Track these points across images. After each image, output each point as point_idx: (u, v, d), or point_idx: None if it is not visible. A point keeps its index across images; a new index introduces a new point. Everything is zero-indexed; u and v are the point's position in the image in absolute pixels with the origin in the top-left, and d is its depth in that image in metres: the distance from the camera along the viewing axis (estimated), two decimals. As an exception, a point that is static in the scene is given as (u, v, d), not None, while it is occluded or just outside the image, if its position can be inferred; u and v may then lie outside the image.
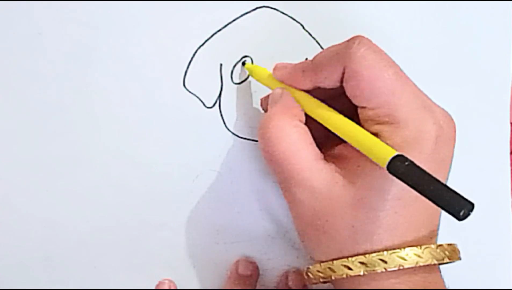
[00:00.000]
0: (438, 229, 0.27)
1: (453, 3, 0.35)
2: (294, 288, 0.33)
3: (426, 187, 0.20)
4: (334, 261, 0.25)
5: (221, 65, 0.33)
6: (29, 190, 0.32)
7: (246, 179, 0.33)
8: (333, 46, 0.26)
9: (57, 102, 0.32)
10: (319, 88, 0.27)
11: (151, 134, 0.33)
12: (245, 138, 0.33)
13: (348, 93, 0.26)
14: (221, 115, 0.33)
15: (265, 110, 0.32)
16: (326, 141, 0.27)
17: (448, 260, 0.25)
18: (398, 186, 0.24)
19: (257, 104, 0.33)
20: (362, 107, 0.25)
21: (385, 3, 0.34)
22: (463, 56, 0.35)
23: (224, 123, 0.33)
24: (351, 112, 0.26)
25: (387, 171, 0.22)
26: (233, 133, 0.33)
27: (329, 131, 0.26)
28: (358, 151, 0.25)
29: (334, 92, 0.27)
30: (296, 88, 0.28)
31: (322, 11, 0.34)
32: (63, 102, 0.32)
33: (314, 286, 0.29)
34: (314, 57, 0.27)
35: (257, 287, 0.34)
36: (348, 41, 0.26)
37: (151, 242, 0.33)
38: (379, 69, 0.25)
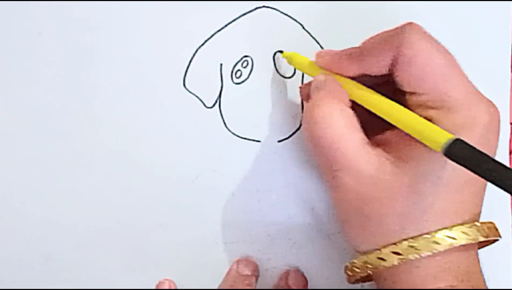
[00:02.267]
0: (480, 211, 0.26)
1: (452, 3, 0.35)
2: (294, 288, 0.33)
3: (489, 170, 0.20)
4: (383, 249, 0.25)
5: (221, 65, 0.33)
6: (29, 190, 0.32)
7: (246, 179, 0.33)
8: (382, 32, 0.26)
9: (57, 102, 0.32)
10: (363, 76, 0.27)
11: (151, 134, 0.33)
12: (245, 138, 0.33)
13: (398, 78, 0.25)
14: (221, 115, 0.33)
15: (304, 99, 0.31)
16: (371, 126, 0.27)
17: (493, 237, 0.26)
18: (448, 172, 0.24)
19: (257, 104, 0.33)
20: (412, 93, 0.25)
21: (385, 3, 0.34)
22: (462, 56, 0.35)
23: (224, 123, 0.33)
24: (394, 100, 0.26)
25: (437, 157, 0.22)
26: (233, 133, 0.33)
27: (375, 116, 0.26)
28: (406, 136, 0.24)
29: (376, 80, 0.27)
30: (340, 74, 0.28)
31: (322, 11, 0.34)
32: (63, 102, 0.32)
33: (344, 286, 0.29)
34: (362, 43, 0.27)
35: (257, 287, 0.34)
36: (399, 27, 0.25)
37: (151, 242, 0.33)
38: (432, 54, 0.25)
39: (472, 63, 0.35)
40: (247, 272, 0.33)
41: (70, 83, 0.32)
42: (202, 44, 0.33)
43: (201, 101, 0.33)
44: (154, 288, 0.33)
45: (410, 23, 0.25)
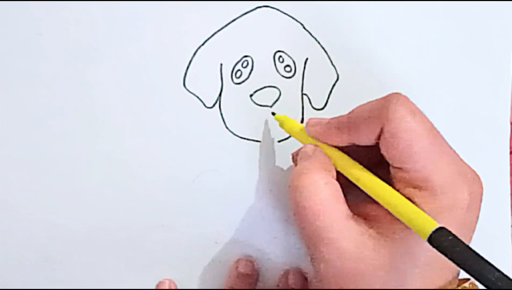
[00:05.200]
0: (459, 273, 0.27)
1: (453, 3, 0.35)
2: (294, 287, 0.33)
3: (469, 263, 0.21)
4: None
5: (221, 65, 0.33)
6: (29, 190, 0.32)
7: (246, 179, 0.33)
8: (369, 102, 0.26)
9: (57, 102, 0.32)
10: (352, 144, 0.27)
11: (151, 134, 0.33)
12: (245, 138, 0.33)
13: (383, 152, 0.25)
14: (221, 115, 0.33)
15: (296, 165, 0.31)
16: (355, 198, 0.27)
17: None
18: (428, 252, 0.24)
19: (257, 104, 0.33)
20: (397, 168, 0.25)
21: (385, 3, 0.34)
22: (463, 56, 0.35)
23: (224, 123, 0.33)
24: (381, 165, 0.26)
25: (418, 237, 0.23)
26: (233, 133, 0.33)
27: (361, 190, 0.26)
28: (389, 213, 0.25)
29: (367, 145, 0.27)
30: (329, 144, 0.28)
31: (322, 11, 0.34)
32: (63, 102, 0.32)
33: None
34: (350, 114, 0.27)
35: (257, 287, 0.34)
36: (385, 99, 0.25)
37: (151, 242, 0.33)
38: (418, 132, 0.24)
39: (472, 63, 0.35)
40: (247, 272, 0.33)
41: (70, 83, 0.32)
42: (202, 44, 0.33)
43: (201, 101, 0.33)
44: (154, 288, 0.33)
45: (397, 95, 0.25)
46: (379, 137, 0.25)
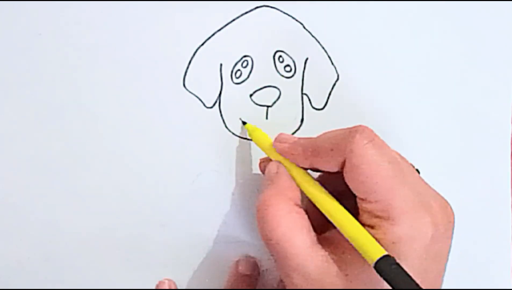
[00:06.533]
0: None
1: (454, 3, 0.35)
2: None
3: None
4: None
5: (221, 65, 0.33)
6: (29, 190, 0.32)
7: (246, 179, 0.33)
8: (334, 131, 0.27)
9: (57, 102, 0.32)
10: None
11: (151, 134, 0.33)
12: (245, 138, 0.33)
13: (347, 182, 0.26)
14: (221, 115, 0.33)
15: (262, 172, 0.31)
16: (323, 220, 0.27)
17: None
18: None
19: (257, 104, 0.33)
20: (361, 198, 0.26)
21: (386, 3, 0.34)
22: (464, 56, 0.35)
23: (224, 123, 0.33)
24: (349, 192, 0.26)
25: None
26: (233, 133, 0.33)
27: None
28: None
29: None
30: (294, 163, 0.28)
31: (322, 10, 0.34)
32: (63, 102, 0.32)
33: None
34: (316, 140, 0.27)
35: (257, 287, 0.34)
36: (350, 130, 0.26)
37: (151, 242, 0.33)
38: (379, 165, 0.25)
39: (473, 62, 0.35)
40: (247, 272, 0.33)
41: (70, 83, 0.32)
42: (202, 44, 0.33)
43: (201, 101, 0.33)
44: (154, 288, 0.33)
45: (361, 128, 0.26)
46: (342, 167, 0.26)
